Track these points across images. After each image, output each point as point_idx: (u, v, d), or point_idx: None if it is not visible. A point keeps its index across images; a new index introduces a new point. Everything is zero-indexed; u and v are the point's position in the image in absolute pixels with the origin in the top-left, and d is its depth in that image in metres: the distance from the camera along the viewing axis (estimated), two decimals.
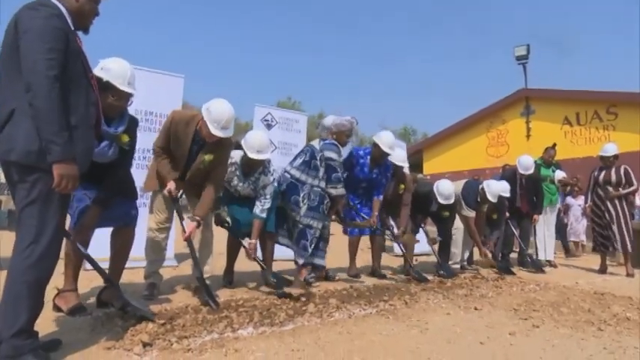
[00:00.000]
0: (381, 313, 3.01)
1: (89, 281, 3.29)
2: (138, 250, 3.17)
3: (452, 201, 4.90)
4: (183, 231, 3.04)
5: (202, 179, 3.20)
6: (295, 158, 4.10)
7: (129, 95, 2.54)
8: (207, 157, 3.14)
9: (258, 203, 3.61)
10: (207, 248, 3.35)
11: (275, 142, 5.75)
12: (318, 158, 3.93)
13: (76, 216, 2.53)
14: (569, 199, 8.76)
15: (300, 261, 3.85)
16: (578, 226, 8.52)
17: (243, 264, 3.94)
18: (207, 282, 3.20)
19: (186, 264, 4.80)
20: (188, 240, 3.03)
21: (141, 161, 4.40)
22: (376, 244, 4.76)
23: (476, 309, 3.29)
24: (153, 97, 4.43)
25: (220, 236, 3.63)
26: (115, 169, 2.56)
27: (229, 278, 3.77)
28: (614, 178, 6.03)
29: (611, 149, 6.12)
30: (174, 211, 3.24)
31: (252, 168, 3.60)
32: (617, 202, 5.98)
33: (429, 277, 4.55)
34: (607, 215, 5.99)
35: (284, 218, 3.96)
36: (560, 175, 6.70)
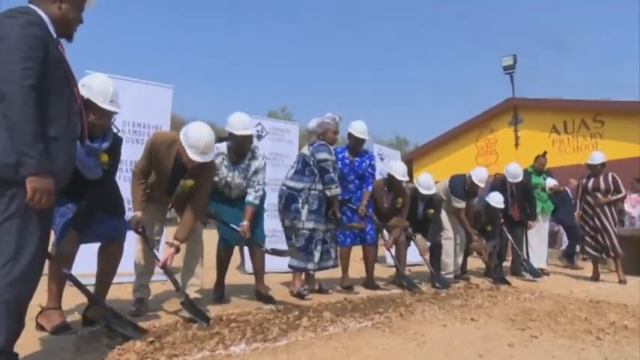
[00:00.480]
0: (376, 326, 2.93)
1: (74, 297, 3.15)
2: (127, 265, 3.07)
3: (433, 191, 4.90)
4: (158, 259, 2.96)
5: (186, 201, 3.13)
6: (289, 170, 4.11)
7: (111, 113, 2.47)
8: (188, 183, 3.06)
9: (250, 190, 3.57)
10: (196, 261, 3.26)
11: (266, 153, 5.68)
12: (311, 163, 3.94)
13: (59, 231, 2.44)
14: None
15: (304, 265, 3.87)
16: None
17: (234, 277, 3.87)
18: (198, 296, 3.13)
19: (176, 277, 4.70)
20: (164, 267, 2.92)
21: (129, 173, 4.30)
22: (369, 254, 4.70)
23: (472, 320, 3.23)
24: (141, 108, 4.36)
25: (210, 247, 3.54)
26: (97, 185, 2.46)
27: (220, 292, 3.67)
28: (602, 185, 6.06)
29: (598, 157, 6.16)
30: (164, 224, 3.16)
31: (240, 153, 3.57)
32: (606, 208, 6.01)
33: (424, 288, 4.51)
34: (597, 222, 6.01)
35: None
36: (551, 182, 6.72)
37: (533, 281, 5.68)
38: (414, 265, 6.10)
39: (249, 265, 5.46)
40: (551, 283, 5.70)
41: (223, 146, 3.59)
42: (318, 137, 4.11)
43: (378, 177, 4.98)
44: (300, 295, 3.76)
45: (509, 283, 5.21)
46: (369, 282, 4.62)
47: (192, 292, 3.14)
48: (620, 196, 6.12)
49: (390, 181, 4.77)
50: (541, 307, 3.77)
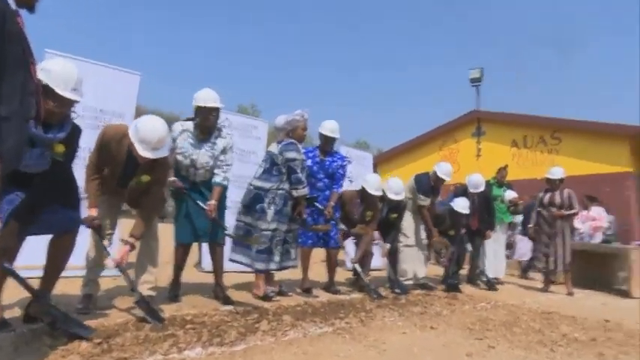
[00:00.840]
0: (337, 332, 2.88)
1: (17, 291, 2.95)
2: (77, 259, 2.88)
3: (402, 197, 4.93)
4: (109, 255, 2.82)
5: (141, 196, 2.98)
6: (257, 169, 4.01)
7: (71, 102, 2.30)
8: (143, 179, 2.89)
9: (218, 171, 3.48)
10: (151, 257, 3.10)
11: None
12: (279, 162, 3.86)
13: (5, 218, 2.25)
14: (518, 219, 9.04)
15: (267, 267, 3.77)
16: (524, 246, 8.79)
17: (191, 275, 3.74)
18: (152, 293, 2.98)
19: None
20: (118, 265, 2.78)
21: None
22: (332, 257, 4.65)
23: (432, 328, 3.24)
24: (105, 94, 4.15)
25: (166, 242, 3.39)
26: (49, 175, 2.28)
27: (175, 291, 3.52)
28: (558, 200, 6.27)
29: (558, 172, 6.38)
30: (117, 217, 3.00)
31: (207, 129, 3.47)
32: (559, 223, 6.22)
33: (383, 293, 4.51)
34: (552, 235, 6.22)
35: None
36: (510, 195, 6.90)
37: (487, 290, 5.80)
38: (372, 269, 6.10)
39: (207, 263, 5.32)
40: (505, 293, 5.83)
41: (189, 124, 3.48)
42: (287, 135, 4.04)
43: (346, 182, 4.93)
44: (267, 297, 3.67)
45: (460, 292, 5.26)
46: (330, 286, 4.58)
47: (145, 290, 2.99)
48: (572, 211, 6.34)
49: (363, 193, 4.74)
50: (497, 317, 3.83)
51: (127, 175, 2.90)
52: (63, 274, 2.57)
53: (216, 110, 3.49)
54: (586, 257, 7.03)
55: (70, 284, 3.27)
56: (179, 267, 3.56)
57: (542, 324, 3.66)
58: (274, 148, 4.00)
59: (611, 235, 7.77)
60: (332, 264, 4.66)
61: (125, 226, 3.01)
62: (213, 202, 3.36)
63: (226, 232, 3.50)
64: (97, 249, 2.94)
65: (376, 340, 2.78)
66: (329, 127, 4.56)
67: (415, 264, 5.40)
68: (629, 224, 9.92)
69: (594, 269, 7.24)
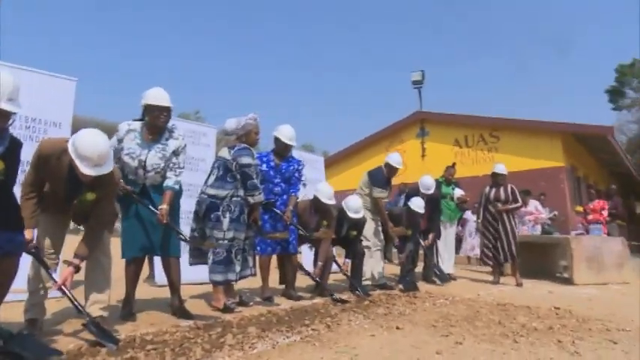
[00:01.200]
0: (305, 340, 2.80)
1: None
2: (18, 282, 2.62)
3: (361, 215, 4.94)
4: (54, 280, 2.57)
5: (88, 213, 2.76)
6: (209, 176, 3.84)
7: (8, 114, 2.08)
8: (89, 196, 2.66)
9: (170, 174, 3.29)
10: (103, 275, 2.87)
11: None
12: (233, 169, 3.72)
13: None
14: (467, 214, 9.35)
15: (225, 277, 3.63)
16: (473, 241, 9.14)
17: (143, 290, 3.53)
18: (104, 314, 2.76)
19: (76, 292, 4.17)
20: (61, 288, 2.55)
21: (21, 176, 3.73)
22: (290, 264, 4.56)
23: (398, 328, 3.23)
24: (38, 101, 3.81)
25: (117, 258, 3.16)
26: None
27: (129, 308, 3.29)
28: (502, 195, 6.56)
29: (503, 168, 6.67)
30: (63, 237, 2.77)
31: (157, 129, 3.29)
32: (505, 216, 6.51)
33: (345, 296, 4.48)
34: (498, 229, 6.48)
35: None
36: (458, 192, 7.12)
37: (441, 286, 5.94)
38: (332, 272, 6.08)
39: (159, 277, 5.07)
40: (458, 287, 5.99)
41: (136, 124, 3.30)
42: (239, 139, 3.91)
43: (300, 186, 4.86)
44: (228, 309, 3.51)
45: (417, 289, 5.33)
46: (290, 292, 4.49)
47: (96, 310, 2.76)
48: (517, 205, 6.67)
49: (316, 203, 4.70)
50: (458, 312, 3.91)
51: (70, 194, 2.67)
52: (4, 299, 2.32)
53: (168, 110, 3.31)
54: (528, 248, 7.40)
55: (11, 309, 2.98)
56: (132, 283, 3.33)
57: (500, 316, 3.77)
58: (226, 153, 3.85)
59: (551, 226, 8.22)
60: (291, 270, 4.57)
61: (73, 244, 2.76)
62: (165, 206, 3.17)
63: (181, 236, 3.31)
64: (37, 271, 2.68)
65: (346, 345, 2.73)
66: (287, 135, 4.44)
67: (372, 265, 5.43)
68: (565, 215, 10.56)
69: (537, 259, 7.65)
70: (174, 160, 3.32)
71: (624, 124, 19.92)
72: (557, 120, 11.77)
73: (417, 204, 5.74)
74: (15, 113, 2.11)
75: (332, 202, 4.68)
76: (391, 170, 5.57)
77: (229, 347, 2.54)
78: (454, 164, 7.43)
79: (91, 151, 2.42)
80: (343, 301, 4.27)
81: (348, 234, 5.04)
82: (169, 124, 3.41)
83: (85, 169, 2.42)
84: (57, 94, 4.03)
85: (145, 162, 3.23)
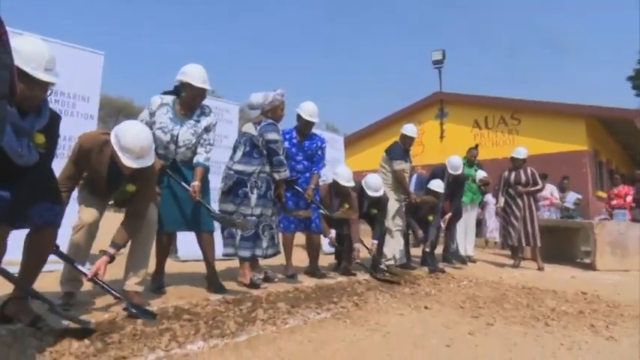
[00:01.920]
0: (336, 317, 2.80)
1: None
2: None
3: (381, 193, 4.92)
4: (84, 273, 2.49)
5: (128, 201, 2.78)
6: (235, 151, 3.81)
7: (47, 85, 2.04)
8: (129, 188, 2.67)
9: (201, 150, 3.29)
10: (144, 251, 2.84)
11: None
12: (259, 144, 3.69)
13: None
14: (487, 197, 9.24)
15: (252, 253, 3.65)
16: (493, 224, 9.05)
17: (168, 265, 3.54)
18: (140, 289, 2.79)
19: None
20: (93, 278, 2.49)
21: (60, 150, 3.74)
22: (314, 242, 4.55)
23: (426, 308, 3.22)
24: (66, 74, 3.76)
25: None
26: (32, 172, 2.02)
27: (159, 282, 3.31)
28: (523, 178, 6.47)
29: (523, 152, 6.57)
30: (104, 210, 2.77)
31: (191, 106, 3.27)
32: (526, 199, 6.42)
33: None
34: (519, 212, 6.40)
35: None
36: (481, 174, 7.02)
37: (459, 268, 5.90)
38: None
39: (183, 252, 5.12)
40: (479, 269, 5.96)
41: (169, 98, 3.27)
42: (264, 114, 3.87)
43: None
44: (254, 285, 3.52)
45: (443, 271, 5.33)
46: (314, 270, 4.49)
47: (132, 285, 2.78)
48: (537, 187, 6.57)
49: (336, 186, 4.66)
50: (484, 294, 3.88)
51: (111, 185, 2.68)
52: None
53: (205, 92, 3.30)
54: (549, 232, 7.32)
55: (44, 278, 3.01)
56: (163, 256, 3.35)
57: (527, 299, 3.73)
58: (252, 129, 3.81)
59: (574, 210, 8.09)
60: (315, 248, 4.57)
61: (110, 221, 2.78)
62: (197, 182, 3.16)
63: (212, 214, 3.31)
64: (76, 246, 2.67)
65: (377, 323, 2.72)
66: (309, 111, 4.41)
67: (393, 245, 5.41)
68: (586, 200, 10.39)
69: (558, 244, 7.56)
70: (205, 136, 3.30)
71: None
72: (581, 102, 11.48)
73: (436, 184, 5.68)
74: (53, 84, 2.09)
75: (351, 184, 4.64)
76: (406, 140, 5.54)
77: (262, 322, 2.55)
78: (477, 145, 7.30)
79: (133, 143, 2.43)
80: (391, 282, 4.28)
81: (368, 211, 5.02)
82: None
83: (128, 162, 2.43)
84: (85, 68, 4.01)
85: (177, 137, 3.21)
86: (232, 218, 3.48)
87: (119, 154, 2.43)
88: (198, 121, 3.29)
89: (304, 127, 4.45)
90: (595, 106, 11.32)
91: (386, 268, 4.99)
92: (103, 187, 2.68)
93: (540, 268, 6.22)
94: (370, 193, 4.84)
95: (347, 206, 4.67)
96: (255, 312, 2.73)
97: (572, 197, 8.16)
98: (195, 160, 3.26)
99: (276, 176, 3.76)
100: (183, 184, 3.16)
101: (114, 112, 33.66)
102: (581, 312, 3.27)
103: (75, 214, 2.74)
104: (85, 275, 2.47)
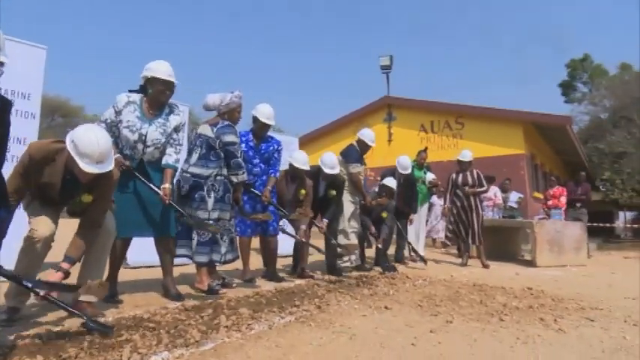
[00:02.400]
0: (300, 321, 2.78)
1: None
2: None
3: (337, 170, 4.96)
4: (35, 292, 2.24)
5: (83, 212, 2.62)
6: (190, 154, 3.69)
7: None
8: (85, 199, 2.52)
9: (170, 151, 3.19)
10: (99, 260, 2.69)
11: None
12: (216, 146, 3.61)
13: None
14: (434, 199, 9.54)
15: (209, 258, 3.53)
16: (438, 225, 9.35)
17: (120, 272, 3.37)
18: (93, 299, 2.62)
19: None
20: (46, 297, 2.28)
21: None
22: (271, 245, 4.50)
23: (386, 308, 3.27)
24: (8, 71, 3.52)
25: None
26: None
27: (112, 291, 3.14)
28: (470, 180, 6.76)
29: (468, 155, 6.87)
30: (58, 219, 2.58)
31: (159, 103, 3.17)
32: (472, 200, 6.71)
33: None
34: (465, 213, 6.68)
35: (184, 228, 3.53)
36: (430, 176, 7.25)
37: (416, 268, 6.06)
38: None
39: (132, 258, 4.89)
40: (430, 269, 6.13)
41: (136, 96, 3.15)
42: (220, 115, 3.79)
43: None
44: (212, 291, 3.41)
45: (396, 271, 5.44)
46: (272, 274, 4.43)
47: (86, 296, 2.62)
48: (483, 189, 6.88)
49: (292, 170, 4.65)
50: (439, 292, 3.99)
51: (64, 197, 2.52)
52: None
53: (172, 86, 3.19)
54: (492, 232, 7.67)
55: None
56: (118, 263, 3.19)
57: (480, 295, 3.88)
58: (208, 131, 3.71)
59: (516, 210, 8.52)
60: (271, 252, 4.51)
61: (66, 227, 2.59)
62: (167, 185, 3.07)
63: (184, 217, 3.21)
64: (28, 256, 2.47)
65: (342, 325, 2.73)
66: (265, 114, 4.34)
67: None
68: (525, 200, 10.99)
69: (500, 243, 7.94)
70: (174, 136, 3.21)
71: (576, 116, 20.89)
72: (519, 109, 12.17)
73: (389, 180, 5.81)
74: (3, 64, 1.94)
75: (306, 167, 4.66)
76: (365, 147, 5.61)
77: (226, 329, 2.48)
78: (426, 149, 7.53)
79: (92, 148, 2.30)
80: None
81: (326, 194, 5.03)
82: (170, 100, 3.30)
83: (87, 167, 2.29)
84: (26, 63, 3.73)
85: (145, 136, 3.10)
86: (207, 223, 3.38)
87: (77, 160, 2.28)
88: (167, 120, 3.20)
89: (260, 129, 4.38)
90: (531, 112, 12.04)
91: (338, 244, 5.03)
92: (55, 198, 2.50)
93: (486, 266, 6.50)
94: (327, 171, 4.81)
95: (303, 192, 4.65)
96: (218, 319, 2.65)
97: (514, 197, 8.60)
98: (164, 161, 3.16)
99: (234, 179, 3.69)
100: (152, 186, 3.04)
101: (49, 111, 31.72)
102: (531, 307, 3.45)
103: (21, 224, 2.54)
104: (37, 294, 2.24)
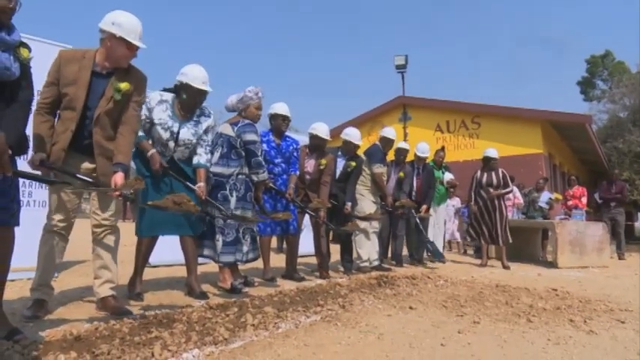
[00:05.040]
0: (326, 320, 2.76)
1: None
2: (22, 260, 2.47)
3: (359, 142, 5.01)
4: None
5: (113, 122, 2.58)
6: (212, 153, 3.68)
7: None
8: (124, 86, 2.55)
9: (201, 151, 3.23)
10: (111, 251, 2.71)
11: None
12: (237, 145, 3.61)
13: None
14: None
15: (234, 258, 3.58)
16: (453, 226, 9.23)
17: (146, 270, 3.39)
18: (113, 293, 2.65)
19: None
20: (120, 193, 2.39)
21: None
22: (292, 244, 4.49)
23: (411, 308, 3.23)
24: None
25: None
26: (13, 94, 1.94)
27: (137, 288, 3.16)
28: (494, 180, 6.65)
29: (494, 153, 6.75)
30: (76, 212, 2.61)
31: (191, 108, 3.21)
32: (497, 201, 6.60)
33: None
34: (490, 213, 6.58)
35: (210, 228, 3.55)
36: (448, 176, 7.17)
37: (436, 268, 6.00)
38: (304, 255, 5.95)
39: (152, 257, 4.91)
40: (449, 269, 6.07)
41: (169, 96, 3.20)
42: (240, 114, 3.80)
43: None
44: (236, 290, 3.41)
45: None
46: (293, 273, 4.42)
47: (106, 290, 2.65)
48: (508, 190, 6.78)
49: (313, 139, 4.62)
50: (462, 293, 3.94)
51: (92, 101, 2.51)
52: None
53: (206, 93, 3.23)
54: (512, 232, 7.55)
55: (8, 288, 2.82)
56: (142, 262, 3.20)
57: (504, 296, 3.82)
58: (229, 130, 3.71)
59: (537, 210, 8.37)
60: (293, 251, 4.50)
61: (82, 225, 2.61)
62: (202, 184, 3.13)
63: (223, 212, 3.25)
64: (48, 249, 2.52)
65: (367, 325, 2.70)
66: (284, 108, 4.35)
67: (369, 247, 5.42)
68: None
69: (520, 243, 7.82)
70: (204, 137, 3.26)
71: (595, 114, 20.54)
72: (537, 107, 12.00)
73: (423, 148, 6.20)
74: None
75: (328, 138, 4.65)
76: (387, 143, 5.59)
77: (253, 327, 2.47)
78: (443, 148, 7.47)
79: (135, 23, 2.55)
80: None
81: (346, 167, 5.00)
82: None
83: (136, 41, 2.50)
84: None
85: (177, 135, 3.15)
86: (247, 216, 3.43)
87: (125, 36, 2.46)
88: (198, 122, 3.25)
89: (279, 126, 4.34)
90: (549, 111, 11.87)
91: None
92: (80, 109, 2.47)
93: (506, 267, 6.41)
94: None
95: (324, 162, 4.60)
96: (244, 317, 2.64)
97: (545, 197, 8.44)
98: (195, 161, 3.21)
99: (255, 178, 3.70)
100: (188, 184, 3.06)
101: None
102: (558, 308, 3.38)
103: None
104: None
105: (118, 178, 2.43)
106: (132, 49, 2.53)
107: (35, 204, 3.79)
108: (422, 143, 6.49)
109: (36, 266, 2.54)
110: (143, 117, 3.05)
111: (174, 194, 2.50)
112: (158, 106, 3.13)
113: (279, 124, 4.34)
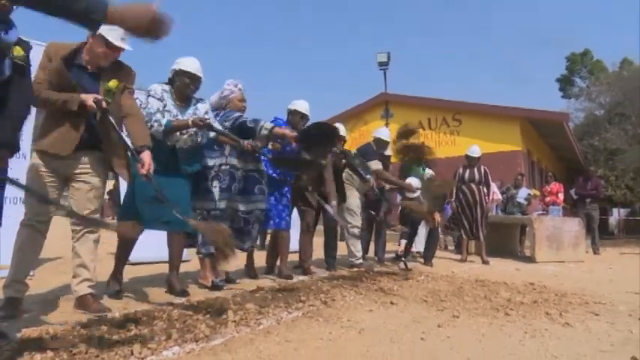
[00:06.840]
0: (307, 316, 2.77)
1: None
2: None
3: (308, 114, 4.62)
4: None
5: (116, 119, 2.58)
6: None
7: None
8: (112, 84, 2.55)
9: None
10: (91, 252, 2.65)
11: None
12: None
13: None
14: None
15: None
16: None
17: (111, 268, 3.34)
18: (92, 291, 2.61)
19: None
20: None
21: None
22: (281, 239, 4.44)
23: (392, 303, 3.26)
24: None
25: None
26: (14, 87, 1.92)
27: (117, 286, 3.11)
28: (476, 176, 6.76)
29: (477, 151, 6.86)
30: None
31: (187, 94, 3.26)
32: (477, 196, 6.71)
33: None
34: (470, 209, 6.69)
35: None
36: (429, 173, 7.22)
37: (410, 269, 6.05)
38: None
39: (133, 255, 4.85)
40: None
41: (166, 87, 3.24)
42: (224, 109, 3.79)
43: None
44: (216, 287, 3.39)
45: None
46: (281, 271, 4.35)
47: (84, 288, 2.61)
48: (490, 187, 6.93)
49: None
50: (442, 288, 3.99)
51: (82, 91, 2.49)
52: None
53: (198, 80, 3.26)
54: (490, 228, 7.68)
55: None
56: (125, 259, 3.16)
57: (483, 291, 3.88)
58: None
59: (516, 206, 8.50)
60: (283, 246, 4.44)
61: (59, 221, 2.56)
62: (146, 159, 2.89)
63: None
64: (27, 243, 2.46)
65: (349, 320, 2.72)
66: (304, 106, 4.35)
67: (354, 243, 5.43)
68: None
69: (498, 238, 7.97)
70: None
71: (572, 112, 20.99)
72: (515, 105, 12.21)
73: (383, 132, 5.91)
74: None
75: (308, 113, 4.40)
76: (381, 144, 5.57)
77: (234, 323, 2.47)
78: (424, 143, 7.51)
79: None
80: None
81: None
82: (196, 95, 3.38)
83: (116, 40, 2.45)
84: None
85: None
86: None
87: (104, 34, 2.42)
88: (197, 109, 3.30)
89: (298, 123, 4.30)
90: (528, 108, 12.07)
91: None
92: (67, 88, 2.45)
93: (485, 262, 6.52)
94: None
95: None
96: (225, 314, 2.63)
97: (524, 193, 8.56)
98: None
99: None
100: (176, 213, 2.73)
101: None
102: (535, 301, 3.46)
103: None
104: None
105: (146, 156, 2.52)
106: (113, 48, 2.50)
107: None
108: (383, 130, 6.20)
109: (12, 259, 2.48)
110: (157, 109, 3.08)
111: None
112: (164, 94, 3.19)
113: (297, 121, 4.31)
